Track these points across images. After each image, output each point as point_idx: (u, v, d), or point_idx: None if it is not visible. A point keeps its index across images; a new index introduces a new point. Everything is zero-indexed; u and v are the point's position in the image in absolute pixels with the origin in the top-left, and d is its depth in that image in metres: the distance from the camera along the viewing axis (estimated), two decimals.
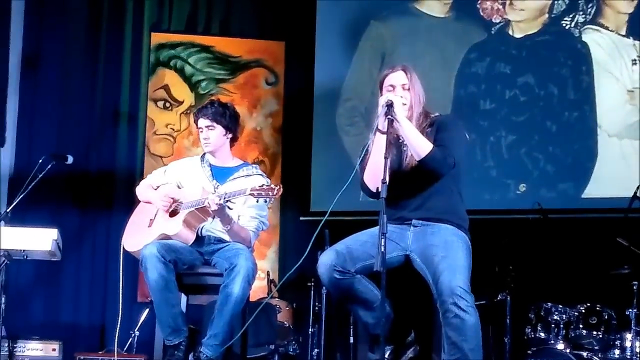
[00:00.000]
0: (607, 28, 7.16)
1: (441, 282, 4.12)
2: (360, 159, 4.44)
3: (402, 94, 4.43)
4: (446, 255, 4.23)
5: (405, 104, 4.40)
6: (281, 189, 4.62)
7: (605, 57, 7.15)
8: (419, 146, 4.29)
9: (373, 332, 4.42)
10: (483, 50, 7.48)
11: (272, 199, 4.71)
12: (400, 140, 4.45)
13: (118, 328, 5.38)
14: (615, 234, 6.00)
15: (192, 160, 5.39)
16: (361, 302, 4.37)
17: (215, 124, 5.21)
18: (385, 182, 4.09)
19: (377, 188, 4.16)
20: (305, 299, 7.02)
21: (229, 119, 5.26)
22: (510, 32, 7.43)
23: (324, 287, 5.75)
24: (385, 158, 4.14)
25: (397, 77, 4.52)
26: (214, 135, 5.21)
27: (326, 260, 4.31)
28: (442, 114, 4.65)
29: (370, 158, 4.38)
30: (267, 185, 4.66)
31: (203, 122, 5.22)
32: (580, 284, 6.47)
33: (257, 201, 4.83)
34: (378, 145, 4.29)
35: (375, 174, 4.26)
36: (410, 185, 4.40)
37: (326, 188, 7.29)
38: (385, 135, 4.22)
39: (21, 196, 5.70)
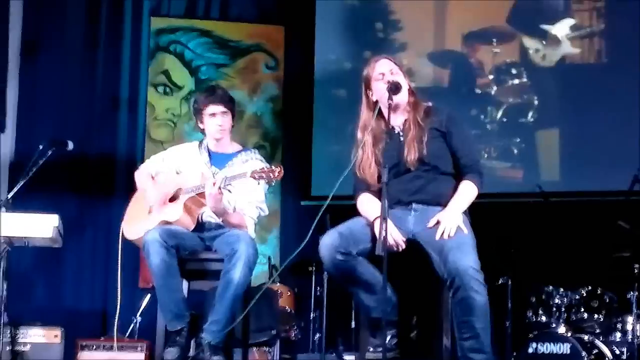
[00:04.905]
0: None
1: (450, 262, 4.10)
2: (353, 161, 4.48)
3: (393, 78, 4.43)
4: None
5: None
6: (282, 171, 4.60)
7: None
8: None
9: (374, 315, 4.41)
10: None
11: (274, 181, 4.68)
12: (397, 132, 4.45)
13: (117, 314, 5.38)
14: (617, 217, 5.99)
15: (190, 146, 5.35)
16: (363, 285, 4.36)
17: (227, 110, 5.16)
18: (386, 167, 4.09)
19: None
20: (307, 284, 7.03)
21: (234, 105, 5.24)
22: None
23: (326, 270, 5.74)
24: (387, 143, 4.15)
25: (383, 65, 4.51)
26: (227, 121, 5.15)
27: (328, 241, 4.29)
28: (430, 102, 4.63)
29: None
30: (267, 168, 4.64)
31: (217, 107, 5.10)
32: (582, 268, 6.47)
33: (259, 183, 4.81)
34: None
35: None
36: (410, 176, 4.39)
37: (327, 172, 7.29)
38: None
39: (22, 182, 5.69)
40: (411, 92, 4.51)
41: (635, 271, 5.91)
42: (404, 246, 4.28)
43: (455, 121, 4.50)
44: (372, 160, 4.43)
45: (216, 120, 5.12)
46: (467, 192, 4.36)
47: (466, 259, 4.10)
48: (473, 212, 4.47)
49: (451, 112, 4.55)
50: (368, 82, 4.52)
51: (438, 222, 4.25)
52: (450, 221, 4.21)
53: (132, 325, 6.74)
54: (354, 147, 4.51)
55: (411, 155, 4.36)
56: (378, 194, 4.32)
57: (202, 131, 5.25)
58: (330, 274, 4.64)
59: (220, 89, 5.27)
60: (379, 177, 4.32)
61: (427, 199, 4.39)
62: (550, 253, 6.61)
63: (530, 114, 7.40)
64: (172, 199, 5.06)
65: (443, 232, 4.18)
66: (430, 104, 4.56)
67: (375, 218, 4.24)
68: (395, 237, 4.25)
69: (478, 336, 4.13)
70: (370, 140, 4.45)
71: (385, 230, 4.02)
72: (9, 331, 5.97)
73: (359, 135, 4.50)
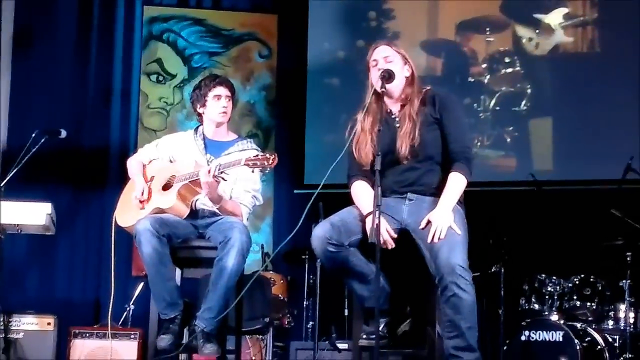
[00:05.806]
0: None
1: (439, 259, 4.09)
2: (350, 139, 4.46)
3: (386, 66, 4.41)
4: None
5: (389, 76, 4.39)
6: (276, 159, 4.59)
7: None
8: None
9: (368, 305, 4.40)
10: None
11: (268, 169, 4.67)
12: (393, 116, 4.44)
13: (111, 302, 5.37)
14: (609, 206, 6.01)
15: (184, 134, 5.34)
16: (356, 276, 4.35)
17: (231, 96, 5.17)
18: (379, 154, 4.09)
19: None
20: (300, 272, 7.04)
21: (235, 95, 5.26)
22: None
23: (318, 260, 5.75)
24: (379, 130, 4.14)
25: (379, 51, 4.51)
26: (230, 106, 5.18)
27: (320, 233, 4.28)
28: (430, 87, 4.61)
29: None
30: (262, 155, 4.63)
31: (223, 90, 5.12)
32: (574, 256, 6.50)
33: (253, 171, 4.80)
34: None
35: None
36: (405, 167, 4.38)
37: (320, 161, 7.29)
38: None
39: (14, 171, 5.68)
40: (410, 81, 4.48)
41: (628, 259, 5.94)
42: (392, 245, 4.26)
43: (447, 106, 4.46)
44: (368, 139, 4.41)
45: (221, 102, 5.12)
46: (456, 185, 4.33)
47: (454, 258, 4.09)
48: (466, 200, 4.47)
49: (444, 96, 4.50)
50: (367, 67, 4.53)
51: (429, 222, 4.24)
52: (441, 222, 4.19)
53: (125, 313, 6.75)
54: (349, 126, 4.50)
55: (403, 149, 4.34)
56: (372, 181, 4.31)
57: (200, 117, 5.23)
58: (323, 265, 4.63)
59: (225, 77, 5.32)
60: (374, 159, 4.31)
61: (423, 190, 4.38)
62: (543, 241, 6.63)
63: (523, 102, 7.41)
64: (166, 186, 5.05)
65: (434, 234, 4.17)
66: (428, 88, 4.54)
67: (368, 213, 4.23)
68: (385, 235, 4.23)
69: (463, 335, 4.11)
70: (369, 120, 4.44)
71: (379, 219, 4.02)
72: (1, 319, 5.97)
73: (359, 115, 4.50)
